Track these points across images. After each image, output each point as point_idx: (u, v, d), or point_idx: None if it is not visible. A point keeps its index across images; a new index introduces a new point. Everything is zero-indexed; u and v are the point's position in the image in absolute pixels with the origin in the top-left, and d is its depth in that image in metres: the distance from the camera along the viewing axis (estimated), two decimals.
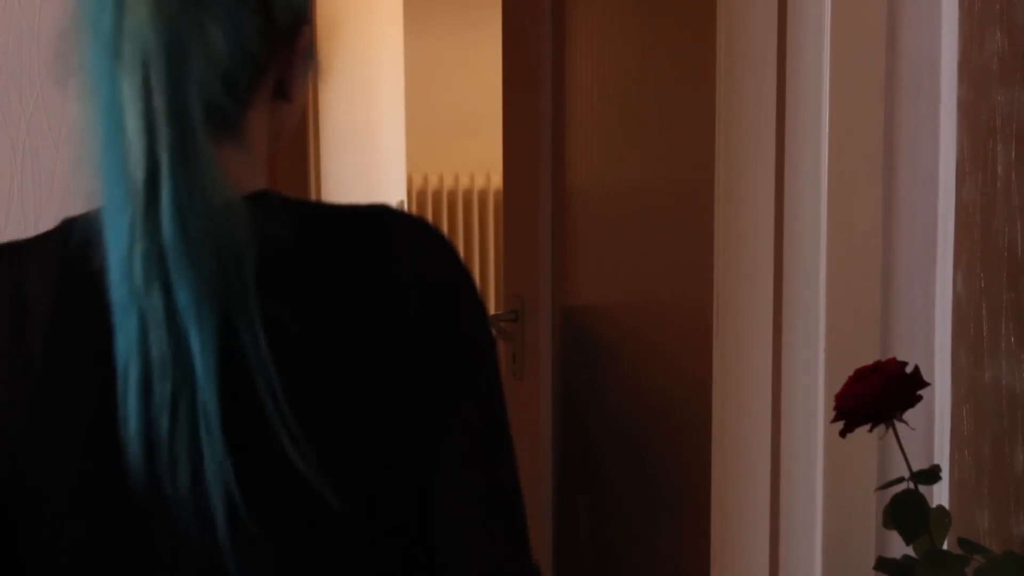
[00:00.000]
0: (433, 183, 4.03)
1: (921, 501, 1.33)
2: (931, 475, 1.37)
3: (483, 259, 3.80)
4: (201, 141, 0.87)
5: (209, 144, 0.88)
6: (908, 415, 1.36)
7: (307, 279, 0.93)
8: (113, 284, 0.87)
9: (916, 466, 1.38)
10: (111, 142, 0.87)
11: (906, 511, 1.32)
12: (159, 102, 0.85)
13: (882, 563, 1.40)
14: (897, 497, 1.34)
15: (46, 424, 0.91)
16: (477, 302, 0.98)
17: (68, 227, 0.95)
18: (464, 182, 3.86)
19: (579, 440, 2.76)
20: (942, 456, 1.63)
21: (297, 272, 0.92)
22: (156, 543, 0.90)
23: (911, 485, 1.35)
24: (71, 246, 0.92)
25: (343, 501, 0.91)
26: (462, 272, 0.98)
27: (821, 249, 1.66)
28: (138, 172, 0.85)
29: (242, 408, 0.88)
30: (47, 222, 1.61)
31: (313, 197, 4.06)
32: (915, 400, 1.35)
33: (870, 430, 1.35)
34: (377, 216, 0.97)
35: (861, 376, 1.34)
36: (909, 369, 1.34)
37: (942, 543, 1.36)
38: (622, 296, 2.60)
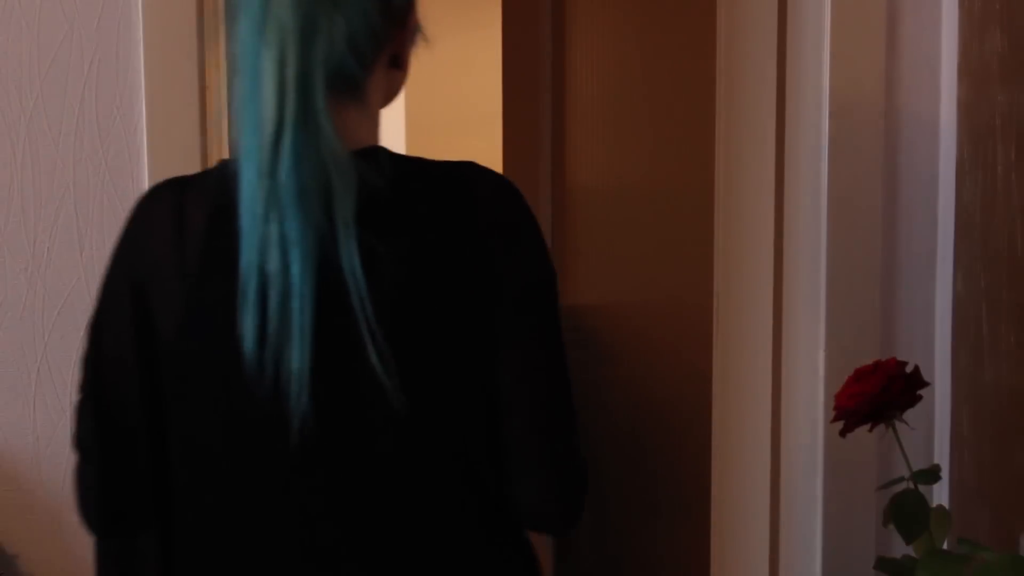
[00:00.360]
0: None
1: (921, 501, 1.33)
2: (931, 475, 1.37)
3: None
4: (319, 106, 1.08)
5: (326, 109, 1.08)
6: (908, 415, 1.36)
7: (401, 218, 1.12)
8: (242, 214, 1.08)
9: (916, 466, 1.37)
10: (251, 102, 1.07)
11: (906, 511, 1.32)
12: (290, 73, 1.06)
13: (882, 563, 1.40)
14: (897, 497, 1.34)
15: (193, 321, 1.13)
16: (539, 240, 1.17)
17: (222, 167, 1.14)
18: None
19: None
20: (942, 456, 1.63)
21: (393, 212, 1.12)
22: (260, 421, 1.12)
23: (911, 485, 1.35)
24: (220, 181, 1.12)
25: (411, 402, 1.09)
26: (529, 216, 1.17)
27: (821, 249, 1.66)
28: (268, 127, 1.06)
29: (338, 319, 1.08)
30: (47, 222, 1.61)
31: None
32: (915, 400, 1.34)
33: (870, 430, 1.35)
34: (464, 169, 1.17)
35: (861, 376, 1.34)
36: (909, 369, 1.34)
37: (942, 543, 1.36)
38: (622, 296, 2.60)
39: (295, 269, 1.07)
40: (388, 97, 1.22)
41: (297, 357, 1.07)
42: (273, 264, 1.07)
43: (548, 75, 2.82)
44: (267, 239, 1.07)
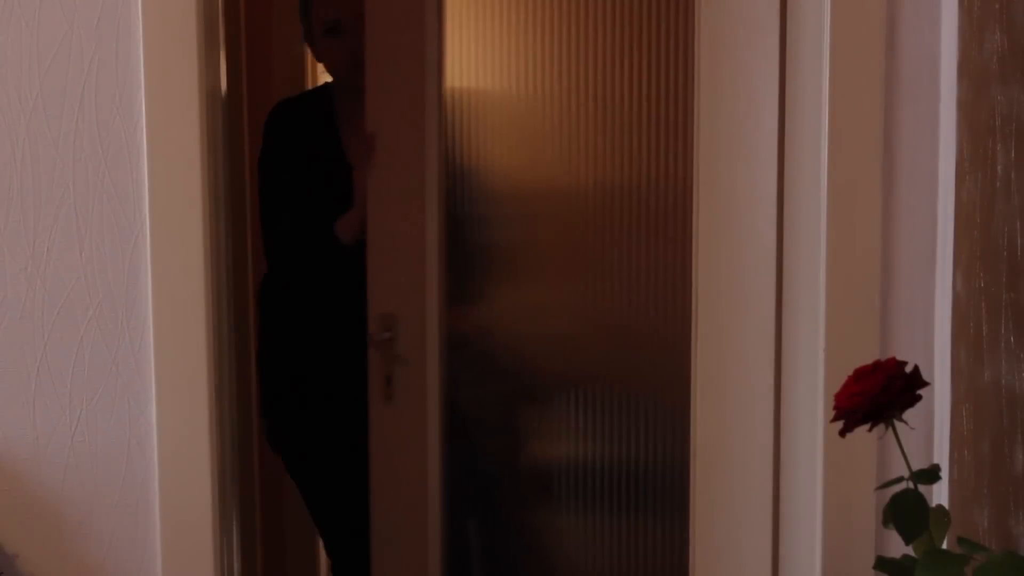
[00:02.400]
0: None
1: (921, 501, 1.33)
2: (931, 475, 1.37)
3: None
4: None
5: None
6: (908, 415, 1.36)
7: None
8: None
9: (916, 466, 1.37)
10: None
11: (906, 511, 1.32)
12: None
13: (882, 563, 1.40)
14: (897, 497, 1.33)
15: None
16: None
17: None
18: None
19: (468, 464, 2.66)
20: (942, 456, 1.63)
21: None
22: None
23: (911, 485, 1.35)
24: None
25: None
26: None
27: (821, 249, 1.66)
28: None
29: None
30: (47, 221, 1.62)
31: None
32: (915, 400, 1.34)
33: (870, 430, 1.35)
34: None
35: (861, 376, 1.34)
36: (909, 368, 1.34)
37: (942, 543, 1.36)
38: (603, 297, 2.59)
39: None
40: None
41: None
42: None
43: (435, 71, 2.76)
44: None
